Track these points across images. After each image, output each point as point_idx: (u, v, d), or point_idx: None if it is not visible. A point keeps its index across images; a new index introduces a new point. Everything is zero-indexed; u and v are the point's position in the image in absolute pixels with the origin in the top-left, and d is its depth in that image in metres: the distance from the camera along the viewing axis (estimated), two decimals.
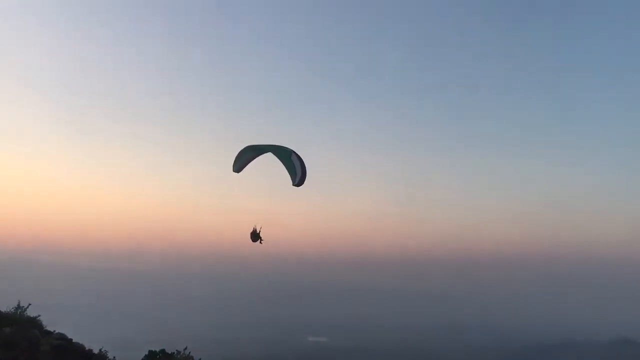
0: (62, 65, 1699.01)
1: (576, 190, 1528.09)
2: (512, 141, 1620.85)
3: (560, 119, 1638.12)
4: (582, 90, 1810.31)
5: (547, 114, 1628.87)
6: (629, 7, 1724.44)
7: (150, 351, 20.78)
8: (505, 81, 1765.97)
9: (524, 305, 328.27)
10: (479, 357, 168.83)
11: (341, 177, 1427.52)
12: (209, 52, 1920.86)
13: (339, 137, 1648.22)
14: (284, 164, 23.19)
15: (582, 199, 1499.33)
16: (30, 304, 19.51)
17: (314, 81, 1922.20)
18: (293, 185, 23.04)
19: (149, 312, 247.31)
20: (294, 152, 23.17)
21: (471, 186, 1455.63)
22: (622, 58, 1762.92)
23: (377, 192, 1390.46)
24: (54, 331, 19.71)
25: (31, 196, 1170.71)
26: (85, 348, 19.91)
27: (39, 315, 19.52)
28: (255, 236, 23.97)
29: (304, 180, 23.21)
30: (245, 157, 23.83)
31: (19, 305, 19.28)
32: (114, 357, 20.69)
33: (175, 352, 20.85)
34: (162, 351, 20.69)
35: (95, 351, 20.20)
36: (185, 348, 21.11)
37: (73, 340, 19.94)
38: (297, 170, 22.91)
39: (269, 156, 23.57)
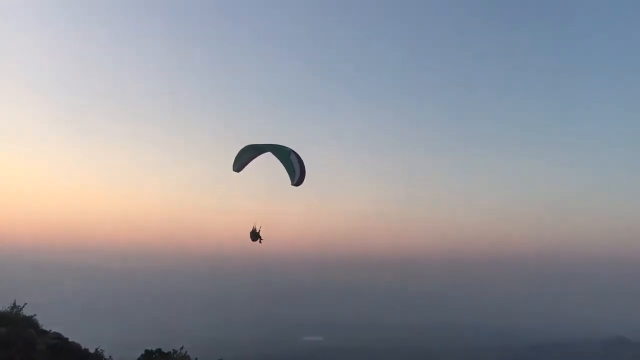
0: (62, 65, 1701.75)
1: (576, 190, 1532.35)
2: (512, 141, 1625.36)
3: (560, 119, 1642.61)
4: (582, 90, 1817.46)
5: (547, 114, 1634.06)
6: (629, 7, 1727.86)
7: (146, 350, 20.85)
8: (505, 81, 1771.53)
9: (524, 305, 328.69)
10: (479, 357, 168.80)
11: (341, 176, 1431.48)
12: (209, 52, 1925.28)
13: (339, 137, 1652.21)
14: (282, 163, 23.22)
15: (581, 198, 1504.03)
16: (26, 304, 19.53)
17: (314, 81, 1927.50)
18: (292, 184, 23.07)
19: (146, 312, 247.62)
20: (293, 151, 23.19)
21: (471, 186, 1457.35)
22: (622, 58, 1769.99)
23: (377, 192, 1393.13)
24: (50, 330, 19.73)
25: (31, 196, 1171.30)
26: (81, 347, 19.92)
27: (35, 315, 19.54)
28: (255, 235, 24.06)
29: (302, 180, 23.25)
30: (245, 157, 23.92)
31: (14, 304, 19.29)
32: (110, 357, 20.73)
33: (172, 351, 20.88)
34: (159, 350, 20.73)
35: (92, 350, 20.23)
36: (182, 347, 21.17)
37: (69, 340, 19.96)
38: (295, 170, 22.93)
39: (269, 156, 23.62)
